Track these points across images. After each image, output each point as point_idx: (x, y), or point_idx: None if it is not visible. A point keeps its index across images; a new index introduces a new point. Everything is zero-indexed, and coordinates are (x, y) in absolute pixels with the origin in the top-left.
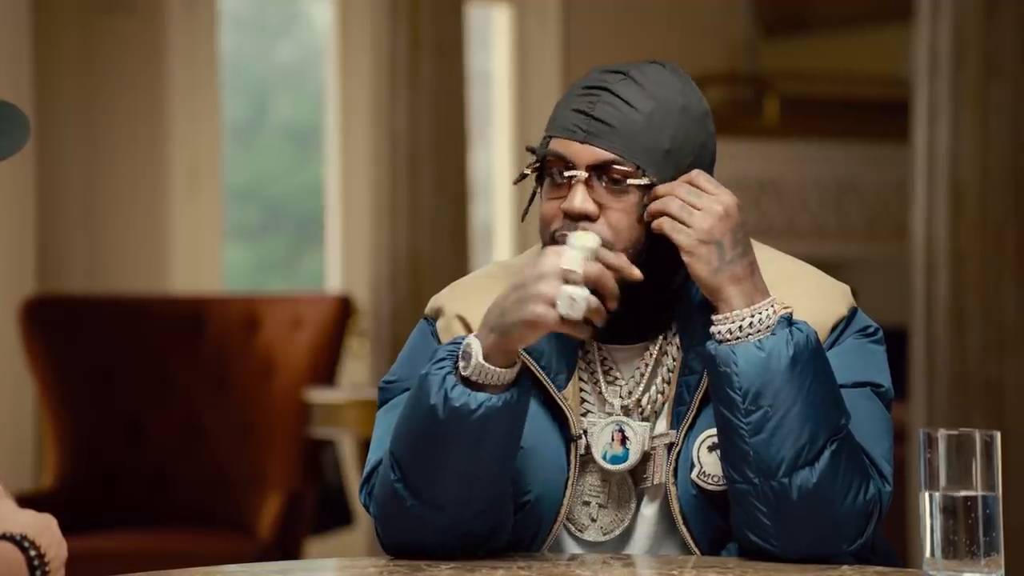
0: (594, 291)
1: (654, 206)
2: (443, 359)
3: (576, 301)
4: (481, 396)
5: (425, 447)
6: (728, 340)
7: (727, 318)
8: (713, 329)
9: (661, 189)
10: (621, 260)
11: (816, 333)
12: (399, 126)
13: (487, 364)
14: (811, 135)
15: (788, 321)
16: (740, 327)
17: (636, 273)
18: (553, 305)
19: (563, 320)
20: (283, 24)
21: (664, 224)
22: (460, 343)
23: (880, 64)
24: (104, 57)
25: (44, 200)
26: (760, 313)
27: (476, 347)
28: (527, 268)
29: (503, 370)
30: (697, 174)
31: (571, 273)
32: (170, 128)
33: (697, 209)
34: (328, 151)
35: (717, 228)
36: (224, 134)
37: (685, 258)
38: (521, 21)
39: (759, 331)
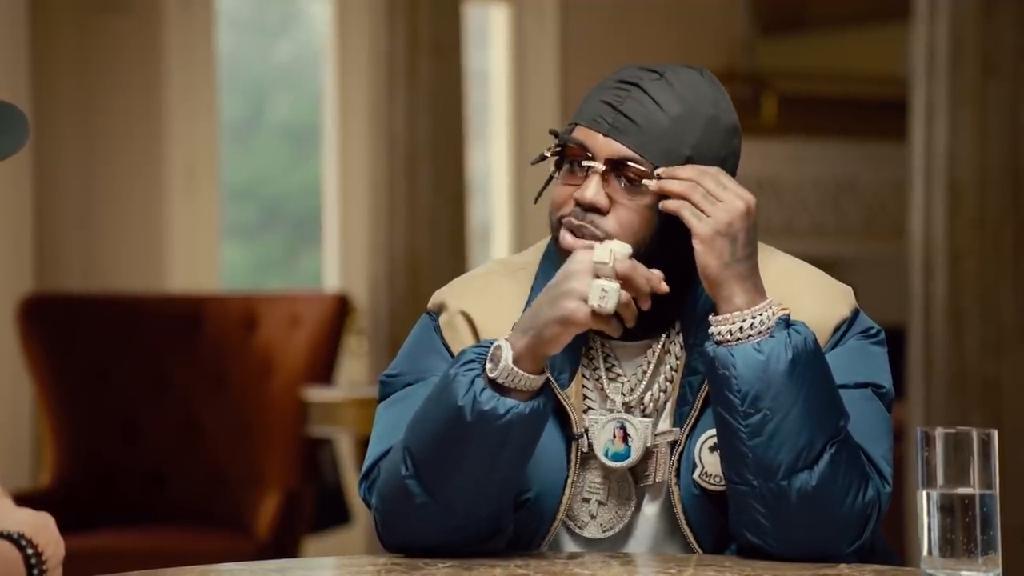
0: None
1: (674, 187)
2: (471, 360)
3: (607, 293)
4: (509, 402)
5: (446, 447)
6: (727, 341)
7: (727, 318)
8: (712, 329)
9: (683, 172)
10: (650, 272)
11: (814, 335)
12: (397, 125)
13: (516, 368)
14: (809, 134)
15: (786, 322)
16: (740, 328)
17: (663, 287)
18: (584, 300)
19: (594, 314)
20: (281, 24)
21: (684, 209)
22: (488, 346)
23: (878, 63)
24: (101, 57)
25: (41, 199)
26: (760, 314)
27: (507, 350)
28: (561, 269)
29: (532, 376)
30: (719, 171)
31: (602, 267)
32: (168, 127)
33: (720, 201)
34: (326, 150)
35: (736, 223)
36: (222, 133)
37: (697, 247)
38: (519, 21)
39: (758, 333)
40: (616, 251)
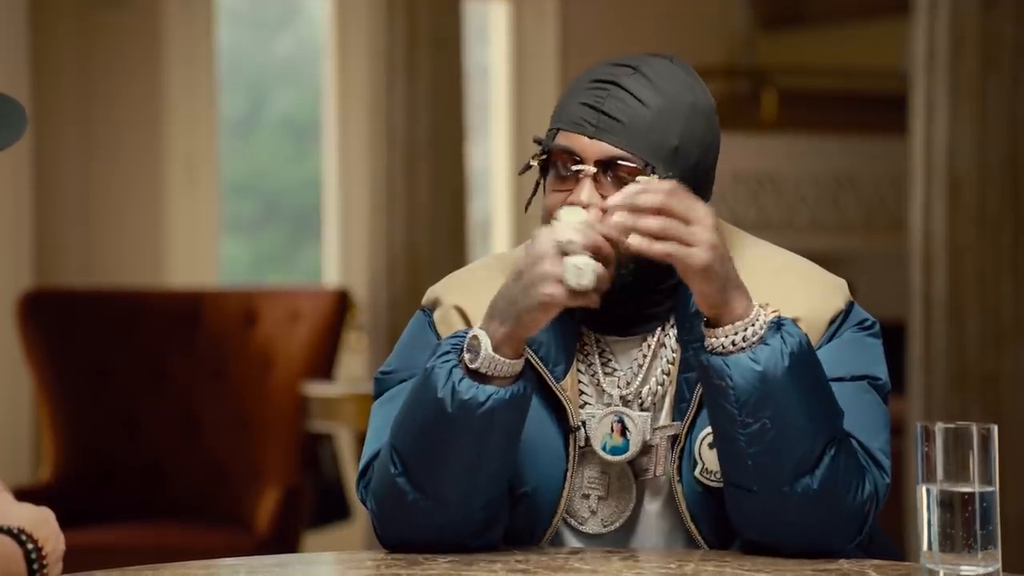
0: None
1: (651, 226)
2: (447, 352)
3: (583, 269)
4: (489, 389)
5: (430, 441)
6: (722, 351)
7: (725, 331)
8: (709, 341)
9: (645, 199)
10: (607, 230)
11: (806, 335)
12: (397, 120)
13: (497, 356)
14: (809, 129)
15: (777, 325)
16: (743, 337)
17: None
18: (560, 282)
19: (573, 293)
20: (281, 18)
21: (672, 251)
22: (463, 337)
23: (878, 58)
24: (101, 51)
25: (41, 194)
26: (755, 322)
27: (485, 339)
28: (524, 254)
29: (512, 361)
30: (674, 186)
31: (570, 244)
32: (168, 122)
33: (691, 222)
34: (326, 145)
35: (718, 240)
36: (222, 128)
37: (696, 278)
38: (519, 16)
39: (753, 342)
40: (579, 218)
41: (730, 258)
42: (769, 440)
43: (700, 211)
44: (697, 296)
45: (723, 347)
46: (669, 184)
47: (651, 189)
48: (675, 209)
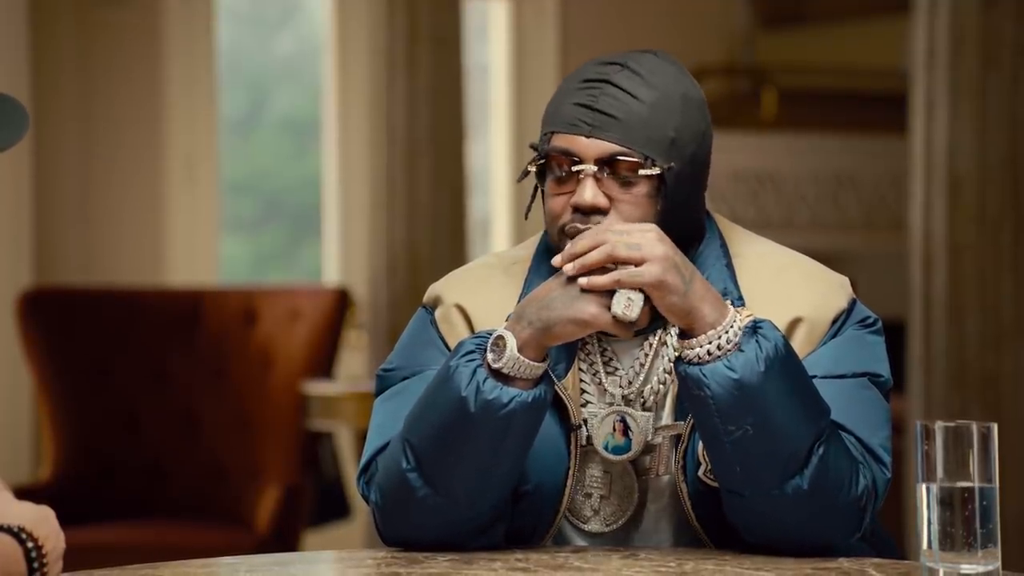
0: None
1: (594, 257)
2: (471, 352)
3: (633, 302)
4: (512, 391)
5: (449, 439)
6: (698, 361)
7: (699, 341)
8: (686, 352)
9: (580, 245)
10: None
11: (784, 337)
12: (397, 119)
13: (522, 357)
14: (809, 128)
15: (753, 329)
16: (718, 345)
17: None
18: (606, 306)
19: (615, 320)
20: (281, 16)
21: (620, 276)
22: (486, 337)
23: (878, 56)
24: (101, 49)
25: (41, 193)
26: (729, 329)
27: (511, 340)
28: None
29: (536, 364)
30: (609, 221)
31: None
32: (168, 120)
33: (636, 242)
34: (326, 143)
35: (668, 250)
36: (222, 127)
37: (655, 294)
38: (519, 14)
39: (728, 349)
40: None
41: (692, 267)
42: (754, 446)
43: (639, 232)
44: (661, 310)
45: (698, 357)
46: (603, 225)
47: (584, 235)
48: (612, 239)
